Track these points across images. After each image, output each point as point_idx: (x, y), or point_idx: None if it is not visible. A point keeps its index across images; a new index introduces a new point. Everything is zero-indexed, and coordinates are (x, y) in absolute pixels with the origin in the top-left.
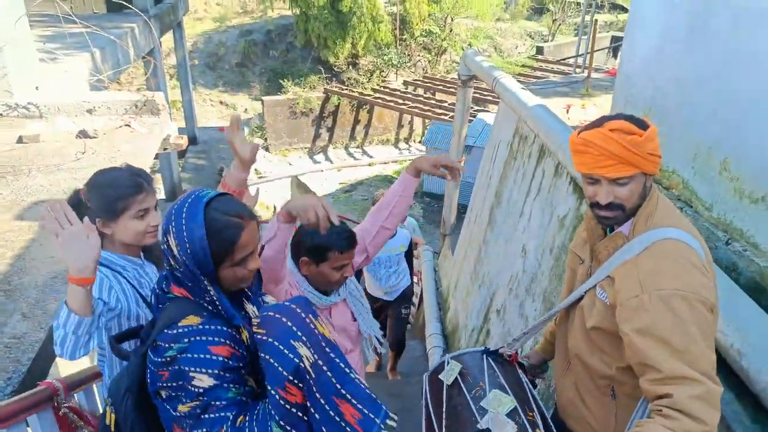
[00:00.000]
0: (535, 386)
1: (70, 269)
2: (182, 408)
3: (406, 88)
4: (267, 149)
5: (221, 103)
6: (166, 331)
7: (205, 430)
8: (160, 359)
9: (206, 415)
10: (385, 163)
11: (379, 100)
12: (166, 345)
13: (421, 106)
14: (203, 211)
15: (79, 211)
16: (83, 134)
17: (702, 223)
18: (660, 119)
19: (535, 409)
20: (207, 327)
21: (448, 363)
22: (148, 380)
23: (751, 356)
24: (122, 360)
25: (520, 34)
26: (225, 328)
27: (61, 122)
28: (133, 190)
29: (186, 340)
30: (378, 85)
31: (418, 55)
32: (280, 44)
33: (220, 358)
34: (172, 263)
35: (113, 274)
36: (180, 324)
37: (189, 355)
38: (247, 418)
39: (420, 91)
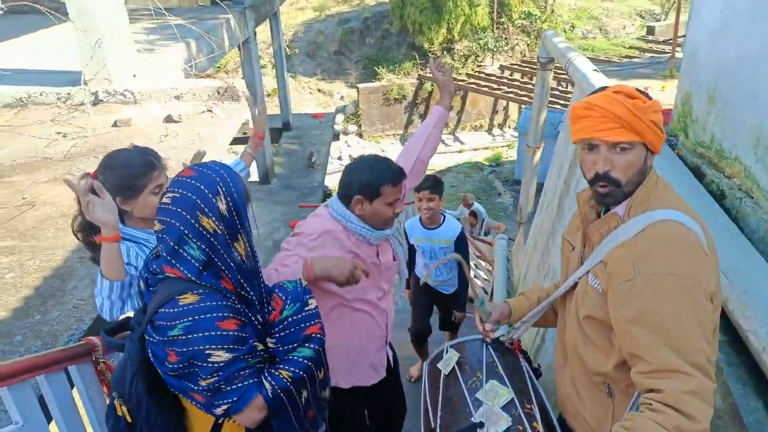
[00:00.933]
0: (538, 376)
1: (103, 230)
2: (203, 382)
3: (502, 73)
4: (360, 135)
5: (319, 90)
6: (164, 309)
7: (235, 398)
8: (164, 338)
9: (231, 386)
10: (476, 149)
11: (473, 86)
12: (168, 323)
13: (517, 91)
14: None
15: None
16: (169, 119)
17: (760, 215)
18: (724, 101)
19: (534, 400)
20: (208, 304)
21: (446, 351)
22: (155, 361)
23: None
24: (119, 350)
25: (629, 14)
26: (225, 303)
27: (151, 107)
28: (149, 168)
29: (189, 318)
30: (473, 70)
31: (516, 38)
32: (376, 31)
33: (231, 332)
34: (217, 226)
35: (137, 246)
36: (180, 303)
37: (200, 334)
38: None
39: (517, 75)
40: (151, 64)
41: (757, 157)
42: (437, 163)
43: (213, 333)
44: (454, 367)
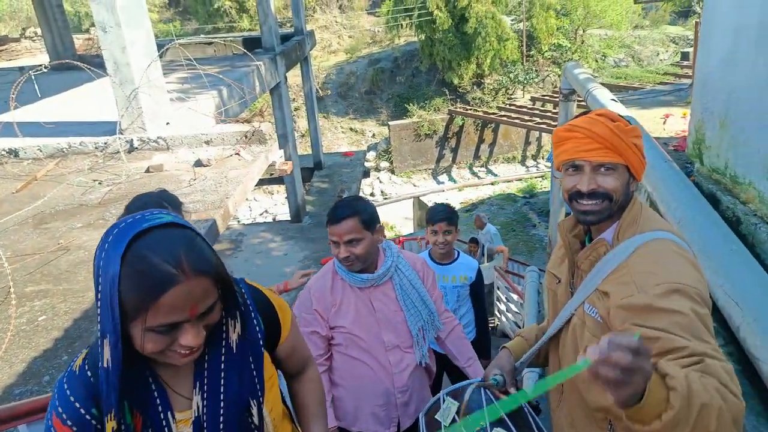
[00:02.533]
0: (538, 412)
1: None
2: None
3: (534, 104)
4: (393, 172)
5: (351, 129)
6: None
7: None
8: None
9: None
10: (509, 180)
11: (504, 118)
12: None
13: (549, 121)
14: (128, 240)
15: None
16: (198, 163)
17: None
18: (735, 127)
19: None
20: (63, 387)
21: (443, 401)
22: None
23: None
24: None
25: (662, 41)
26: (77, 404)
27: (182, 153)
28: None
29: (56, 389)
30: (504, 103)
31: (546, 70)
32: (406, 70)
33: None
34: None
35: None
36: (74, 361)
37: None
38: None
39: (549, 106)
40: (184, 111)
41: None
42: (470, 196)
43: (49, 422)
44: (454, 417)
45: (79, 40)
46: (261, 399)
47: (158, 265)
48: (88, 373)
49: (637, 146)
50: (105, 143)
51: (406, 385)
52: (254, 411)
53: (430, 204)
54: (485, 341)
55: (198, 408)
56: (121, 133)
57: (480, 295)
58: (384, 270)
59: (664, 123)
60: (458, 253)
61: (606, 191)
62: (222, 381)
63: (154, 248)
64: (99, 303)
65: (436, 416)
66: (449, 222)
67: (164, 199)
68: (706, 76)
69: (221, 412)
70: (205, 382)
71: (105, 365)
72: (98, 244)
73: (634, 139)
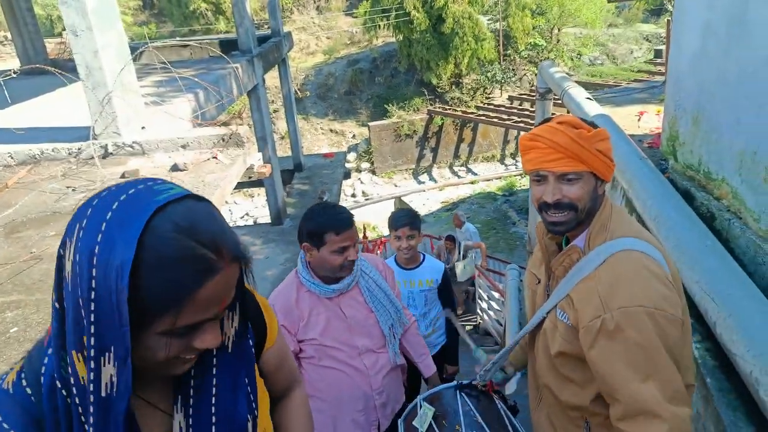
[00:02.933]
0: (515, 413)
1: None
2: None
3: (512, 103)
4: (374, 172)
5: (331, 130)
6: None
7: None
8: None
9: None
10: (489, 180)
11: (483, 117)
12: None
13: (527, 120)
14: (148, 218)
15: None
16: (175, 168)
17: (749, 236)
18: (708, 123)
19: None
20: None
21: (420, 406)
22: None
23: None
24: None
25: (635, 39)
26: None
27: (159, 157)
28: None
29: None
30: (482, 102)
31: (524, 69)
32: (384, 70)
33: None
34: (61, 279)
35: None
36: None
37: None
38: None
39: (526, 105)
40: (160, 115)
41: (742, 178)
42: (451, 196)
43: None
44: (431, 423)
45: (51, 44)
46: (256, 414)
47: (195, 249)
48: (28, 391)
49: (601, 151)
50: (78, 149)
51: (382, 386)
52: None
53: (412, 204)
54: (453, 349)
55: (180, 429)
56: (95, 138)
57: (448, 297)
58: (351, 277)
59: (639, 120)
60: (423, 256)
61: (571, 201)
62: (214, 390)
63: (183, 228)
64: (86, 305)
65: (413, 423)
66: (411, 226)
67: None
68: (678, 73)
69: None
70: (191, 393)
71: (104, 392)
72: (75, 223)
73: (598, 144)
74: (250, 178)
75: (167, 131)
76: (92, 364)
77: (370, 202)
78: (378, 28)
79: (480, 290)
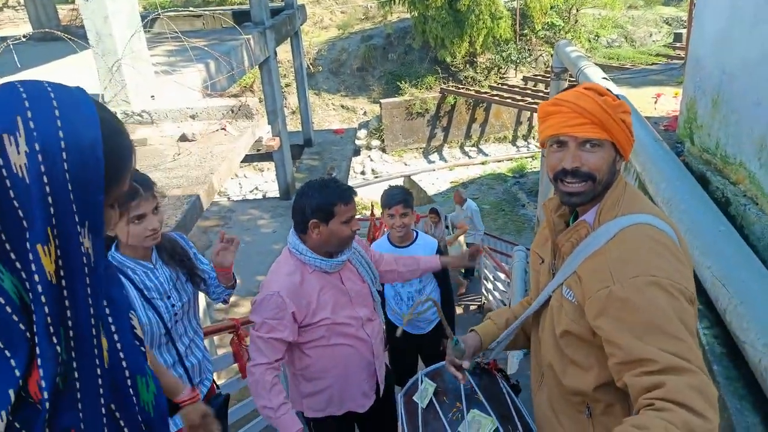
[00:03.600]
0: (518, 392)
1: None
2: None
3: (526, 84)
4: (384, 150)
5: (342, 107)
6: None
7: None
8: None
9: None
10: (500, 161)
11: (496, 97)
12: None
13: (541, 101)
14: (88, 98)
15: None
16: (183, 138)
17: (765, 223)
18: (728, 106)
19: (519, 426)
20: None
21: (421, 381)
22: None
23: None
24: None
25: (655, 22)
26: None
27: (167, 127)
28: (127, 197)
29: None
30: (496, 82)
31: (540, 50)
32: (398, 47)
33: None
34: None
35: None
36: None
37: None
38: None
39: (541, 86)
40: (170, 85)
41: (761, 162)
42: (461, 176)
43: None
44: (431, 398)
45: (63, 11)
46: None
47: (123, 125)
48: None
49: (624, 122)
50: None
51: (378, 350)
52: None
53: (421, 183)
54: (450, 321)
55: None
56: None
57: (443, 276)
58: (350, 249)
59: (656, 102)
60: (417, 234)
61: (590, 170)
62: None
63: (103, 107)
64: (60, 189)
65: (414, 397)
66: (405, 204)
67: (135, 179)
68: (698, 55)
69: None
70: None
71: (88, 265)
72: (11, 118)
73: (622, 114)
74: (258, 150)
75: (177, 101)
76: (80, 241)
77: (379, 180)
78: (393, 3)
79: (486, 270)
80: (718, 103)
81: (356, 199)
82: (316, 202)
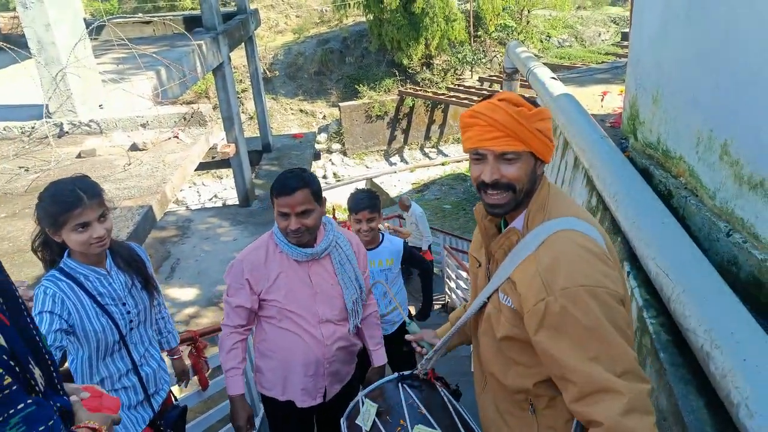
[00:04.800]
0: (458, 397)
1: None
2: None
3: (482, 85)
4: (345, 153)
5: (301, 111)
6: None
7: None
8: None
9: None
10: (459, 161)
11: (454, 99)
12: None
13: None
14: None
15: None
16: (134, 147)
17: (704, 213)
18: (667, 102)
19: None
20: None
21: (362, 403)
22: None
23: (718, 360)
24: None
25: (603, 21)
26: None
27: (117, 137)
28: (69, 206)
29: None
30: (452, 83)
31: (494, 50)
32: (355, 50)
33: None
34: None
35: (69, 285)
36: None
37: None
38: None
39: (496, 86)
40: (119, 93)
41: (699, 156)
42: (421, 177)
43: None
44: (374, 420)
45: (4, 18)
46: None
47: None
48: None
49: (541, 131)
50: (32, 127)
51: (334, 355)
52: None
53: (383, 186)
54: (426, 309)
55: None
56: (49, 117)
57: (417, 264)
58: (325, 245)
59: (602, 100)
60: (383, 236)
61: (509, 181)
62: None
63: None
64: None
65: (356, 421)
66: (372, 209)
67: (80, 187)
68: (638, 53)
69: None
70: None
71: None
72: None
73: (538, 123)
74: (214, 158)
75: (127, 110)
76: None
77: (341, 184)
78: (348, 6)
79: (448, 270)
80: (658, 100)
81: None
82: (271, 188)
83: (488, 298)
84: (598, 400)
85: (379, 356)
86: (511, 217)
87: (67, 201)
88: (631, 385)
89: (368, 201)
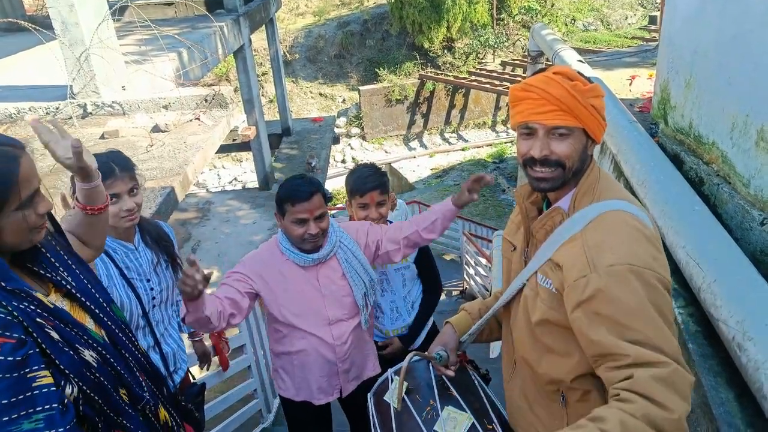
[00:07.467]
0: (488, 381)
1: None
2: None
3: (504, 69)
4: (364, 138)
5: (320, 94)
6: None
7: None
8: None
9: None
10: (479, 146)
11: (475, 83)
12: None
13: None
14: None
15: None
16: (156, 129)
17: (737, 202)
18: (701, 87)
19: (494, 418)
20: None
21: (392, 380)
22: None
23: (751, 352)
24: None
25: (630, 4)
26: None
27: (139, 118)
28: (101, 176)
29: None
30: (474, 67)
31: (517, 34)
32: (376, 33)
33: None
34: None
35: (100, 258)
36: None
37: None
38: None
39: (519, 71)
40: (141, 75)
41: (733, 141)
42: (441, 162)
43: None
44: (404, 397)
45: (29, 0)
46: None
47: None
48: None
49: (595, 107)
50: (56, 108)
51: (347, 354)
52: None
53: (402, 171)
54: (428, 311)
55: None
56: (73, 98)
57: (427, 274)
58: (330, 247)
59: (630, 84)
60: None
61: (559, 158)
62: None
63: None
64: None
65: (384, 397)
66: (382, 189)
67: (114, 161)
68: (671, 35)
69: None
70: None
71: None
72: None
73: (592, 99)
74: (234, 140)
75: (149, 91)
76: None
77: None
78: None
79: (467, 256)
80: (691, 84)
81: (336, 189)
82: (278, 196)
83: (527, 281)
84: (638, 366)
85: (444, 205)
86: (556, 197)
87: (100, 171)
88: (678, 366)
89: (376, 178)
